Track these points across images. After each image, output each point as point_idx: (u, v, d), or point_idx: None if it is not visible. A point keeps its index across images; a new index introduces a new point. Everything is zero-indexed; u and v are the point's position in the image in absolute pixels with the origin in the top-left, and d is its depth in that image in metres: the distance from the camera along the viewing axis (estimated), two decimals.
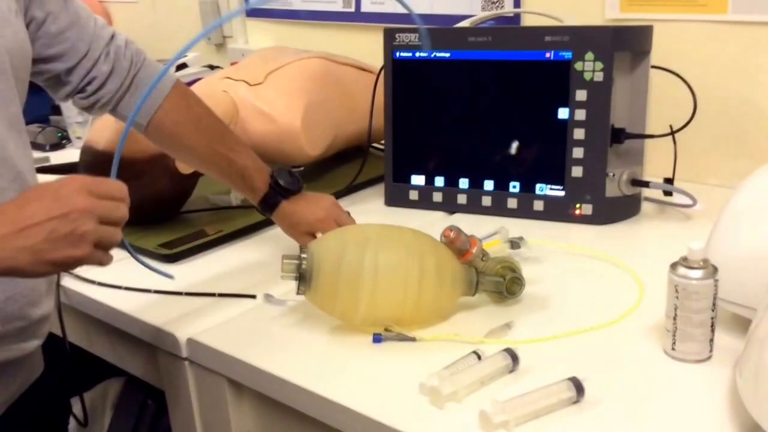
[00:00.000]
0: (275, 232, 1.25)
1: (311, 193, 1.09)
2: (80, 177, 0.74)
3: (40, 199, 0.71)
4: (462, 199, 1.30)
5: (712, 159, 1.36)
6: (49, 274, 0.76)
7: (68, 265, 0.73)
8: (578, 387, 0.74)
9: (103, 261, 0.76)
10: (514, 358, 0.81)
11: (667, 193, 1.27)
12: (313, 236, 1.03)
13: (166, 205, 1.25)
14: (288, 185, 1.05)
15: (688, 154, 1.30)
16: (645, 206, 1.29)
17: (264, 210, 1.07)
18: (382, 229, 0.92)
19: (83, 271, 1.10)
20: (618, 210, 1.24)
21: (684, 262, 0.80)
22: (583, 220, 1.23)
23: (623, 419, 0.73)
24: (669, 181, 1.25)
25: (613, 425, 0.72)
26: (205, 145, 1.03)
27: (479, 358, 0.81)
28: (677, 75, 1.24)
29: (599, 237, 1.18)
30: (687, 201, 1.22)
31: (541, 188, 1.25)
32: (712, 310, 0.80)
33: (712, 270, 0.79)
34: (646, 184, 1.24)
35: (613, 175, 1.22)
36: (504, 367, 0.80)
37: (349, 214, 1.09)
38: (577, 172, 1.22)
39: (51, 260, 0.70)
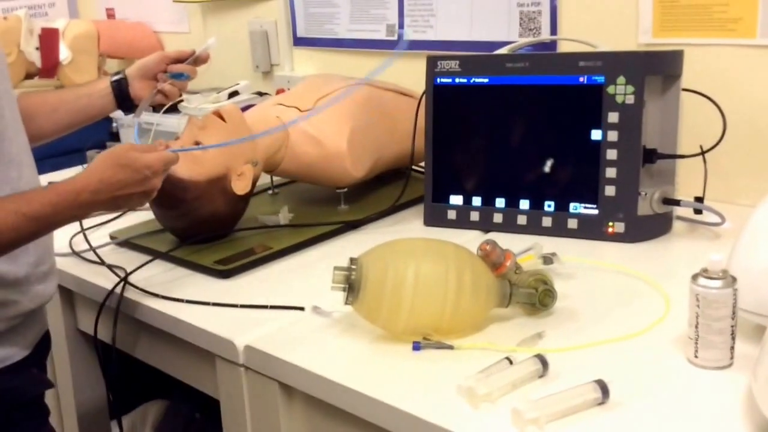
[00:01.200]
0: (320, 250, 1.35)
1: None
2: (157, 161, 1.07)
3: (131, 175, 1.04)
4: (498, 218, 1.37)
5: (743, 179, 1.41)
6: None
7: None
8: (604, 389, 0.81)
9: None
10: (544, 363, 0.88)
11: (698, 212, 1.33)
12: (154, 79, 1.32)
13: (221, 223, 1.35)
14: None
15: (720, 174, 1.36)
16: (677, 225, 1.35)
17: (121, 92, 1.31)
18: (425, 243, 1.01)
19: (147, 284, 1.21)
20: (650, 228, 1.30)
21: (704, 273, 0.86)
22: (616, 238, 1.29)
23: (646, 420, 0.79)
24: (699, 200, 1.31)
25: (636, 426, 0.79)
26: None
27: (511, 363, 0.89)
28: (707, 97, 1.30)
29: (631, 254, 1.24)
30: (717, 219, 1.28)
31: (575, 207, 1.32)
32: (732, 319, 0.86)
33: (731, 280, 0.85)
34: (677, 203, 1.30)
35: (645, 194, 1.28)
36: (534, 372, 0.87)
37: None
38: (609, 191, 1.29)
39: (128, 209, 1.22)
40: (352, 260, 0.97)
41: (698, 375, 0.87)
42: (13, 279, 1.05)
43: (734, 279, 0.86)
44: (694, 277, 0.87)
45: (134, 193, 1.06)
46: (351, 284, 0.95)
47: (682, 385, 0.86)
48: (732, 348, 0.87)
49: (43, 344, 1.19)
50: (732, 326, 0.86)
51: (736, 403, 0.81)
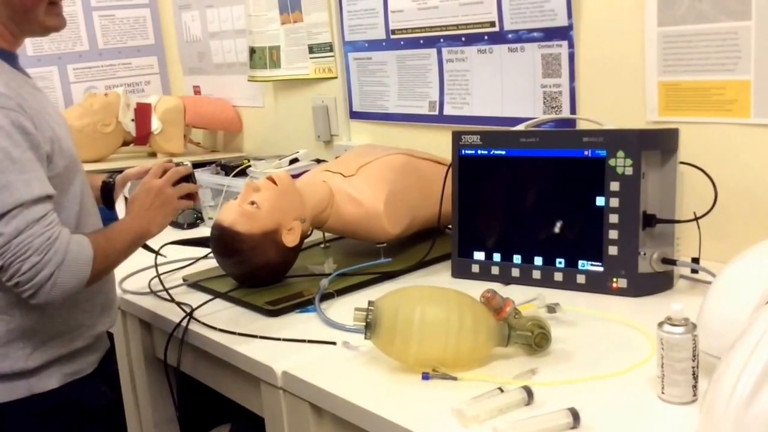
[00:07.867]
0: (359, 296, 1.47)
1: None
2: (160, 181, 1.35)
3: (147, 198, 1.32)
4: (515, 272, 1.48)
5: (737, 241, 1.47)
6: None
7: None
8: (575, 415, 0.91)
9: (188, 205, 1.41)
10: (529, 393, 0.97)
11: (694, 271, 1.41)
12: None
13: (274, 271, 1.50)
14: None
15: (719, 236, 1.43)
16: (681, 282, 1.42)
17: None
18: (432, 290, 1.12)
19: (208, 319, 1.36)
20: (651, 284, 1.38)
21: (668, 320, 0.95)
22: (620, 292, 1.38)
23: None
24: (696, 260, 1.39)
25: None
26: None
27: (502, 392, 0.99)
28: (701, 170, 1.39)
29: (632, 307, 1.32)
30: (710, 278, 1.36)
31: (583, 264, 1.42)
32: (693, 360, 0.94)
33: (691, 327, 0.94)
34: (674, 263, 1.38)
35: (644, 254, 1.37)
36: (520, 400, 0.97)
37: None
38: (613, 250, 1.38)
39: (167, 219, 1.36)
40: (370, 302, 1.10)
41: (664, 409, 0.96)
42: (89, 306, 1.27)
43: (694, 326, 0.95)
44: (660, 324, 0.96)
45: (153, 207, 1.32)
46: (368, 323, 1.07)
47: (649, 417, 0.94)
48: (695, 386, 0.95)
49: (107, 361, 1.38)
50: (693, 367, 0.94)
51: None
